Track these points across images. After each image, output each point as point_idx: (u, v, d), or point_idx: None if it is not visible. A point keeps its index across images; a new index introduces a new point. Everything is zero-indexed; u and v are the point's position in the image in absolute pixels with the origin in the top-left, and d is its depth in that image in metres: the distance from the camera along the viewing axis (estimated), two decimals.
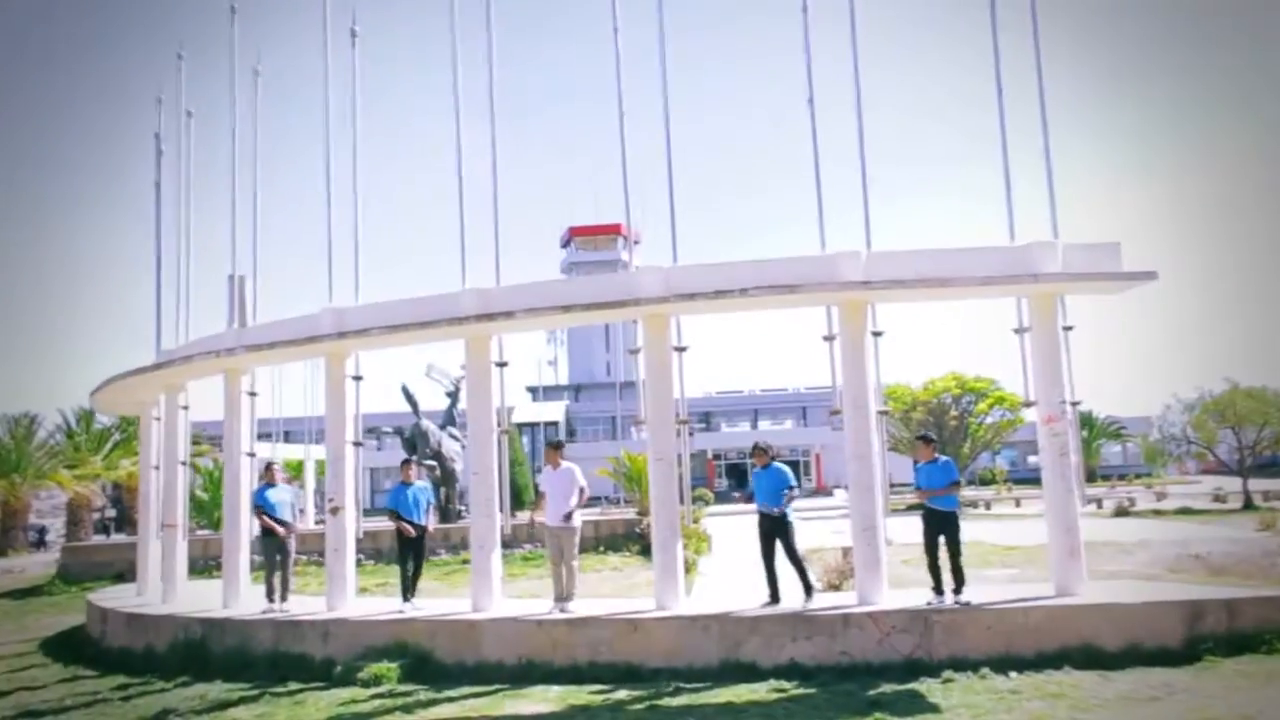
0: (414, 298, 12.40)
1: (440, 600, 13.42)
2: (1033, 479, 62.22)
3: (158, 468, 15.96)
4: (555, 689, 10.18)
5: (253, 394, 14.22)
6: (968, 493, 46.39)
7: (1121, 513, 32.81)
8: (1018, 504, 42.09)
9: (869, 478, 11.01)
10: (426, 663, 11.20)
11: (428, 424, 27.40)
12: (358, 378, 13.20)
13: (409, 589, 12.45)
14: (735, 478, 71.88)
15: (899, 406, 44.94)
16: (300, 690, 10.83)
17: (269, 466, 13.46)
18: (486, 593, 11.87)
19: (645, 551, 22.77)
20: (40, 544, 39.05)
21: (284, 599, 12.97)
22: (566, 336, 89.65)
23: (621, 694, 9.85)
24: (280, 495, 13.17)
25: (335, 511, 12.86)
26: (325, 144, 13.31)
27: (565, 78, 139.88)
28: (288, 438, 40.36)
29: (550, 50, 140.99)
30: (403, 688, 10.58)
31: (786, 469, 11.35)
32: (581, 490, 11.71)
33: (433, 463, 26.88)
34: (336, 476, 12.92)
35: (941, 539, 10.77)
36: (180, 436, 15.41)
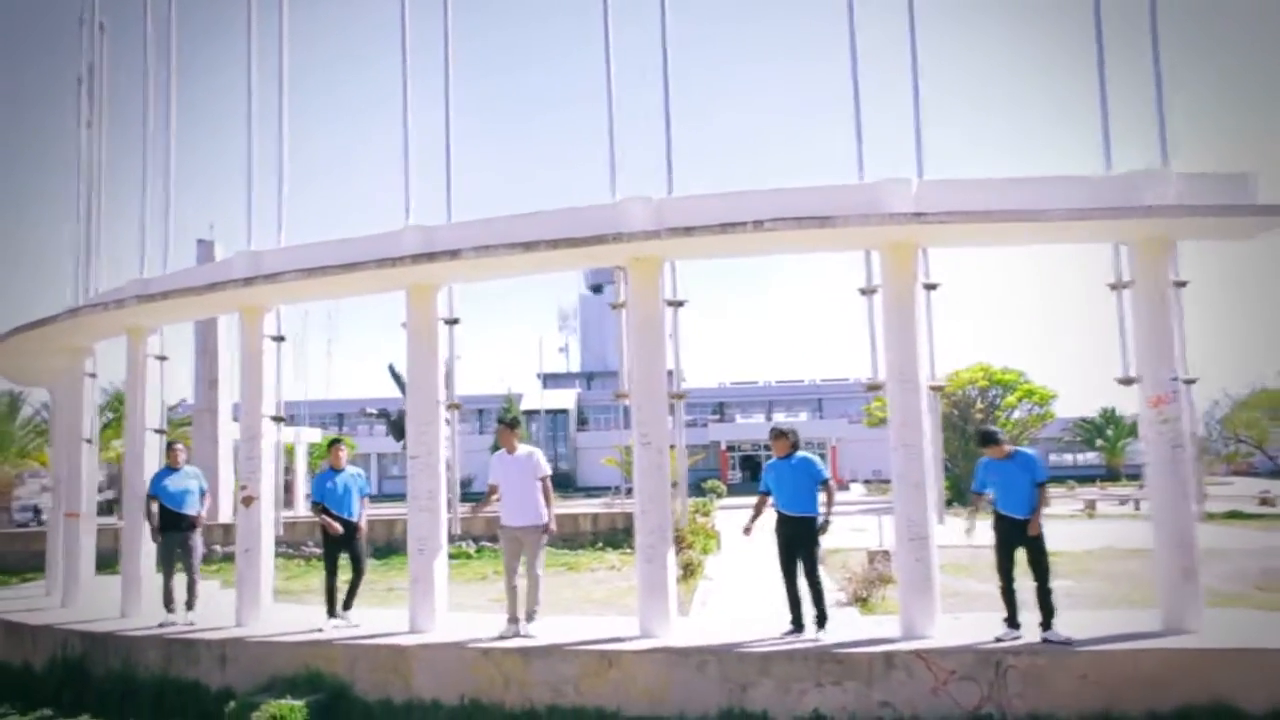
0: (344, 239, 9.87)
1: (379, 613, 10.87)
2: (1056, 477, 59.77)
3: (90, 441, 13.35)
4: None
5: (161, 358, 11.71)
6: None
7: None
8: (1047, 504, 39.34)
9: (917, 471, 8.45)
10: (343, 699, 8.73)
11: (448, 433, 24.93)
12: (279, 338, 10.68)
13: (346, 601, 9.89)
14: (750, 469, 69.50)
15: None
16: None
17: (171, 446, 10.96)
18: (426, 609, 9.36)
19: None
20: (38, 524, 37.40)
21: (190, 607, 10.50)
22: (579, 323, 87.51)
23: None
24: (183, 482, 10.67)
25: (248, 502, 10.36)
26: (248, 73, 10.74)
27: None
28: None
29: None
30: None
31: (816, 459, 8.77)
32: (543, 480, 9.14)
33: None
34: (250, 459, 10.42)
35: (1017, 554, 8.22)
36: (85, 410, 12.94)
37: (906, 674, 7.63)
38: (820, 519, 8.56)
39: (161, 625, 10.20)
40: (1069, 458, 72.88)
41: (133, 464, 11.44)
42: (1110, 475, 59.24)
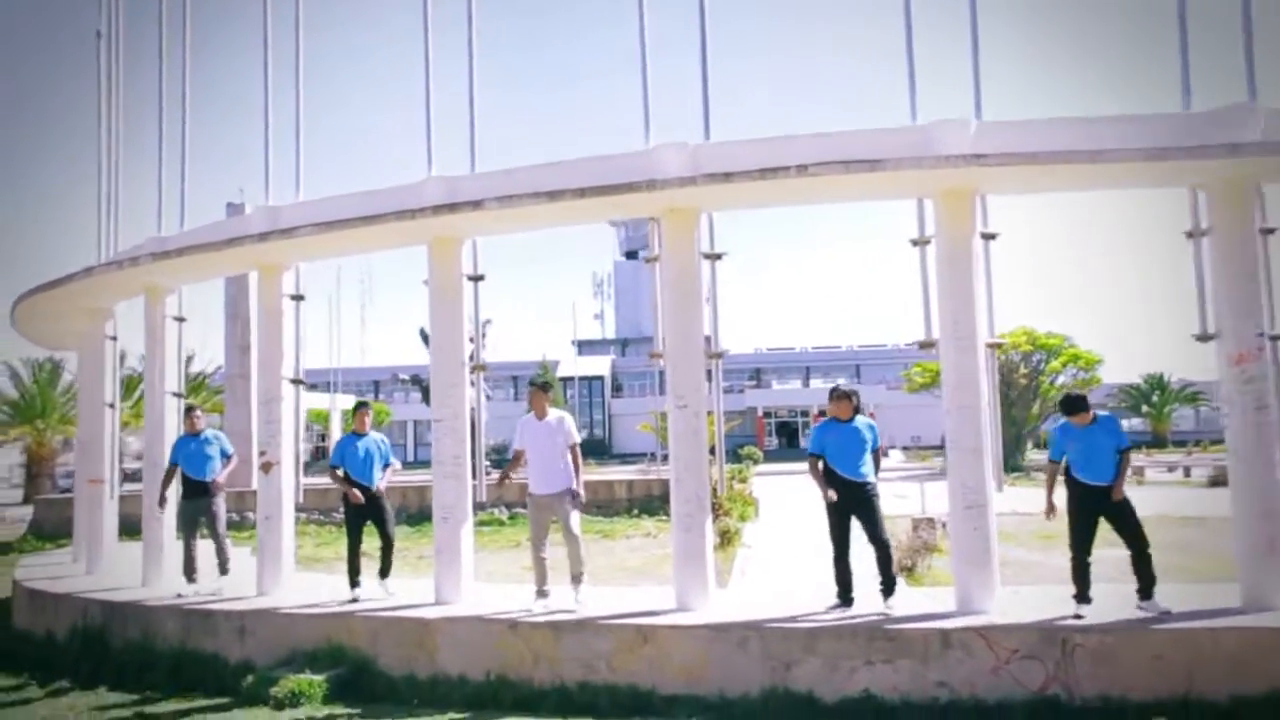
0: (364, 191, 9.36)
1: (407, 583, 10.45)
2: None
3: (111, 406, 12.99)
4: None
5: (179, 319, 11.31)
6: (1032, 456, 42.97)
7: (1218, 482, 29.06)
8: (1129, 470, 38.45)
9: (973, 435, 7.85)
10: (365, 674, 8.33)
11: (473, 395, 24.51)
12: (298, 297, 10.23)
13: (382, 570, 9.56)
14: (786, 436, 68.90)
15: None
16: (191, 710, 8.03)
17: (189, 412, 10.56)
18: (452, 580, 8.92)
19: None
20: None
21: (224, 571, 10.17)
22: (614, 290, 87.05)
23: None
24: (203, 447, 10.28)
25: (267, 468, 9.96)
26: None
27: None
28: (313, 389, 38.67)
29: None
30: (325, 711, 7.73)
31: (874, 425, 8.17)
32: (573, 448, 8.60)
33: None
34: (270, 423, 10.00)
35: (1098, 525, 7.66)
36: (107, 373, 12.60)
37: (965, 652, 7.08)
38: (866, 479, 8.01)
39: (179, 596, 9.85)
40: None
41: (153, 428, 11.08)
42: (1156, 442, 57.90)
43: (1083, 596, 7.48)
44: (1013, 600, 7.98)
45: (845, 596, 8.01)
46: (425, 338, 24.46)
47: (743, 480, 23.94)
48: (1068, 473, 7.74)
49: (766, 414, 69.42)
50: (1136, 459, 39.43)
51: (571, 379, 65.68)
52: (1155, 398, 63.48)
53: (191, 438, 10.34)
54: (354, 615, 8.65)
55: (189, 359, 36.66)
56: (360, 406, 9.65)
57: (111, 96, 12.30)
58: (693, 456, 8.32)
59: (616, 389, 73.98)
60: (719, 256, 8.55)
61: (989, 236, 8.04)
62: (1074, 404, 7.73)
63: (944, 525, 14.11)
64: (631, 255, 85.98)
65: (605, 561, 13.84)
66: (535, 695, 7.75)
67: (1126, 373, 63.90)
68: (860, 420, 8.07)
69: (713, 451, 8.79)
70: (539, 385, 8.73)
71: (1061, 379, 43.19)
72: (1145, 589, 7.41)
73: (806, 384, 75.36)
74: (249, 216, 9.89)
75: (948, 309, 7.90)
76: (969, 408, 7.81)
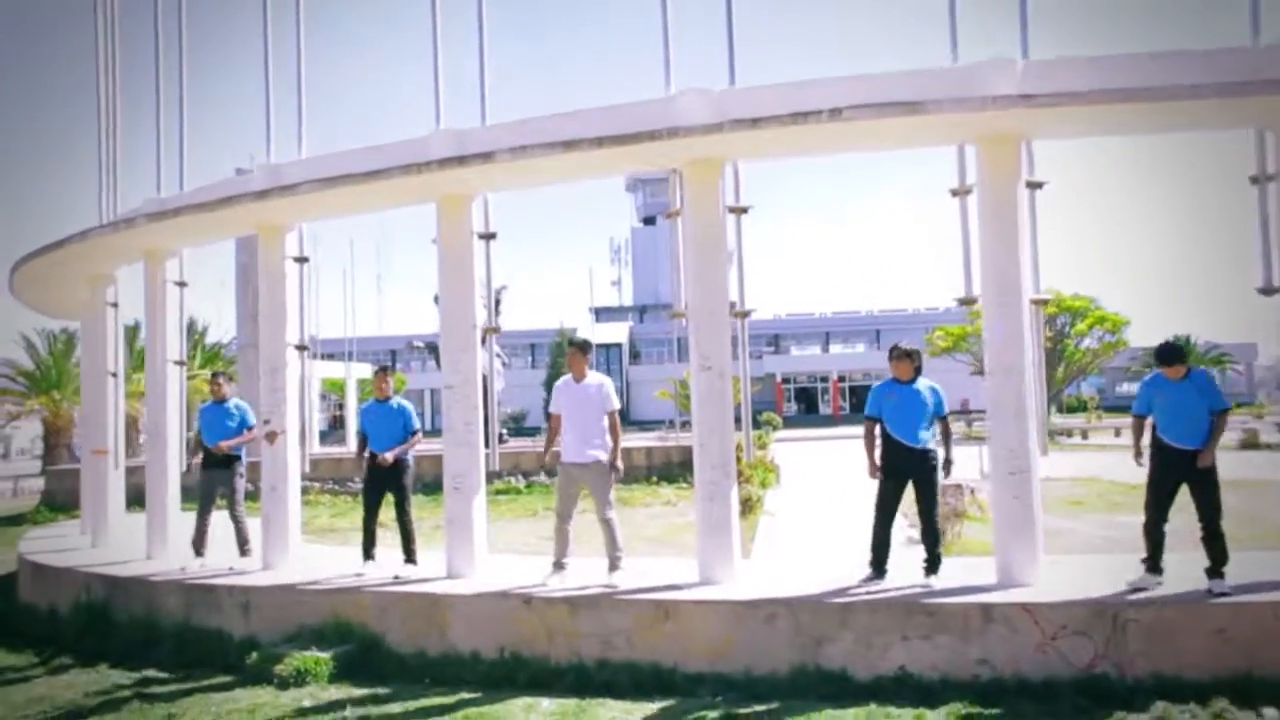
0: (369, 146, 8.89)
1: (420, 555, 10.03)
2: (1124, 406, 57.87)
3: (114, 375, 12.59)
4: (546, 703, 6.84)
5: (181, 284, 10.89)
6: (1056, 420, 42.34)
7: (1249, 444, 28.41)
8: (1117, 433, 37.87)
9: (1018, 398, 7.35)
10: (374, 651, 7.96)
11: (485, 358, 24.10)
12: (301, 259, 9.79)
13: (406, 554, 8.95)
14: (805, 402, 68.45)
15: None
16: (193, 689, 7.67)
17: (214, 378, 10.17)
18: (464, 552, 8.52)
19: None
20: None
21: (243, 552, 9.78)
22: (631, 257, 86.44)
23: (643, 714, 6.50)
24: (224, 416, 9.89)
25: (272, 438, 9.56)
26: None
27: None
28: (330, 358, 38.41)
29: None
30: (331, 691, 7.38)
31: (938, 389, 7.66)
32: (612, 415, 8.12)
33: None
34: (274, 391, 9.60)
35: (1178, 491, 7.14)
36: (108, 341, 12.22)
37: (1008, 628, 6.63)
38: (942, 456, 7.55)
39: (183, 570, 9.51)
40: (1134, 387, 70.72)
41: (154, 397, 10.70)
42: None
43: (1154, 566, 7.00)
44: (1054, 572, 7.51)
45: (879, 568, 7.57)
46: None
47: (763, 446, 23.52)
48: (1153, 431, 7.21)
49: (785, 380, 68.99)
50: None
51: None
52: None
53: (215, 405, 9.98)
54: (362, 590, 8.26)
55: (204, 330, 36.52)
56: (380, 371, 9.15)
57: (110, 54, 11.83)
58: (718, 421, 7.86)
59: (634, 356, 73.61)
60: (745, 210, 8.05)
61: (1035, 185, 7.50)
62: (1170, 354, 7.09)
63: (972, 491, 13.69)
64: (649, 221, 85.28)
65: (624, 531, 13.42)
66: (551, 673, 7.35)
67: (1152, 336, 63.09)
68: (923, 382, 7.58)
69: (739, 418, 8.32)
70: (578, 345, 8.21)
71: (1087, 342, 42.51)
72: (1215, 568, 6.86)
73: (826, 349, 74.83)
74: (249, 175, 9.43)
75: (990, 263, 7.39)
76: (1012, 369, 7.31)
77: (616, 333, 72.17)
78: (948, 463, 7.56)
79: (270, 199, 8.70)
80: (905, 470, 7.50)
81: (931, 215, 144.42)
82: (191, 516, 10.04)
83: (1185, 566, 7.08)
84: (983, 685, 6.56)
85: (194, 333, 37.67)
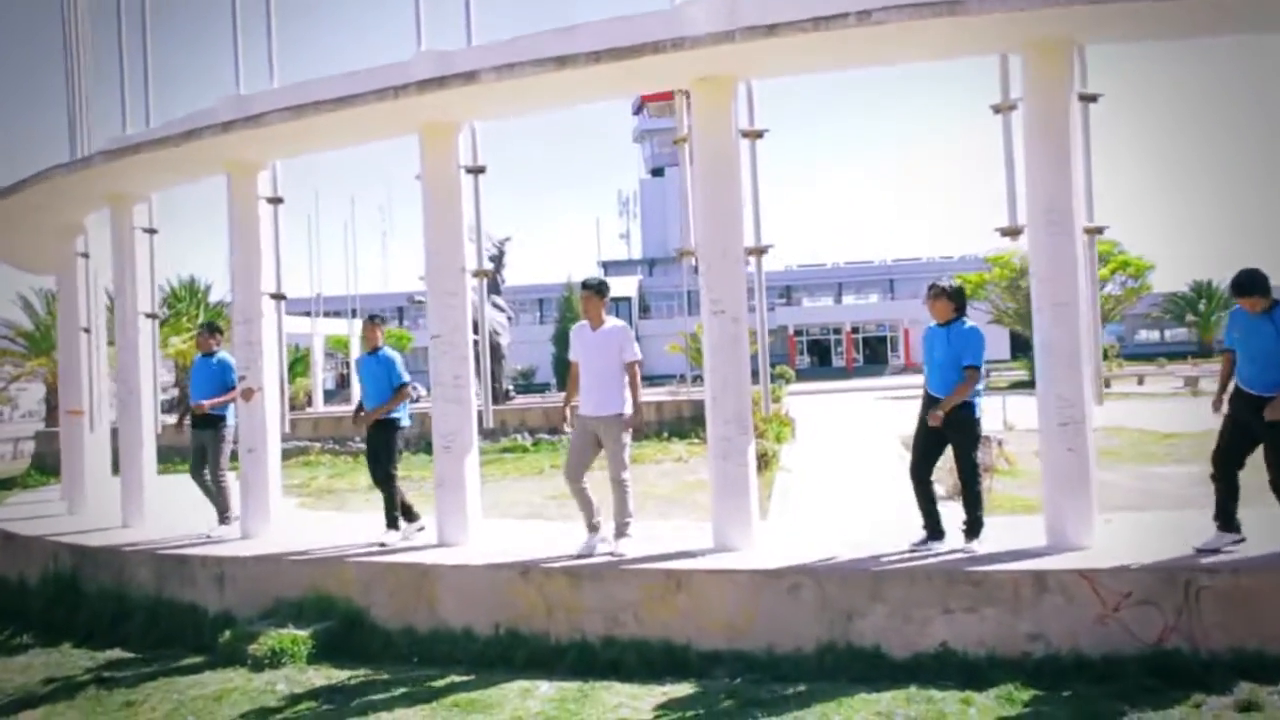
0: (346, 73, 8.03)
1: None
2: (1143, 354, 56.83)
3: (87, 331, 11.84)
4: (544, 686, 6.13)
5: (150, 231, 10.09)
6: None
7: None
8: (1140, 381, 37.08)
9: (1071, 338, 6.52)
10: (357, 628, 7.26)
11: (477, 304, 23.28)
12: (275, 200, 8.99)
13: (389, 519, 8.22)
14: (818, 354, 67.56)
15: (1005, 275, 39.62)
16: (159, 671, 7.01)
17: (206, 328, 9.38)
18: (457, 518, 7.79)
19: None
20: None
21: (224, 520, 9.02)
22: (640, 209, 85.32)
23: (653, 699, 5.78)
24: (209, 374, 9.12)
25: (249, 395, 8.81)
26: None
27: None
28: (337, 315, 37.78)
29: None
30: (309, 673, 6.69)
31: (980, 336, 6.71)
32: (631, 365, 7.32)
33: (475, 337, 22.83)
34: (249, 345, 8.83)
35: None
36: (80, 295, 11.46)
37: (1064, 598, 5.86)
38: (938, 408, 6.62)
39: (207, 537, 8.74)
40: (1154, 334, 69.75)
41: (125, 353, 9.95)
42: (1202, 351, 56.10)
43: (1228, 523, 6.15)
44: (1109, 532, 6.74)
45: (934, 529, 6.76)
46: None
47: (776, 399, 22.75)
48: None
49: (798, 332, 68.02)
50: (1186, 369, 37.78)
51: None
52: (1201, 306, 61.54)
53: (203, 358, 9.19)
54: (344, 562, 7.54)
55: (207, 288, 35.77)
56: (369, 321, 8.35)
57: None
58: (732, 370, 7.07)
59: (644, 310, 72.70)
60: (760, 134, 7.18)
61: (1088, 98, 6.62)
62: (1246, 283, 6.06)
63: (999, 443, 12.95)
64: (658, 172, 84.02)
65: (634, 488, 12.74)
66: (551, 652, 6.64)
67: (1174, 281, 62.03)
68: (965, 325, 6.71)
69: (754, 370, 7.52)
70: (593, 287, 7.28)
71: (1109, 288, 41.47)
72: None
73: (839, 300, 73.77)
74: (215, 108, 8.59)
75: (1038, 187, 6.52)
76: (1065, 305, 6.48)
77: (626, 286, 71.14)
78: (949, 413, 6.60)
79: (235, 131, 7.86)
80: (935, 424, 6.70)
81: (951, 156, 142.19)
82: (172, 479, 9.35)
83: (1264, 524, 6.28)
84: (1035, 663, 5.81)
85: (195, 291, 36.98)
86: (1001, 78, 6.80)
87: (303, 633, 7.00)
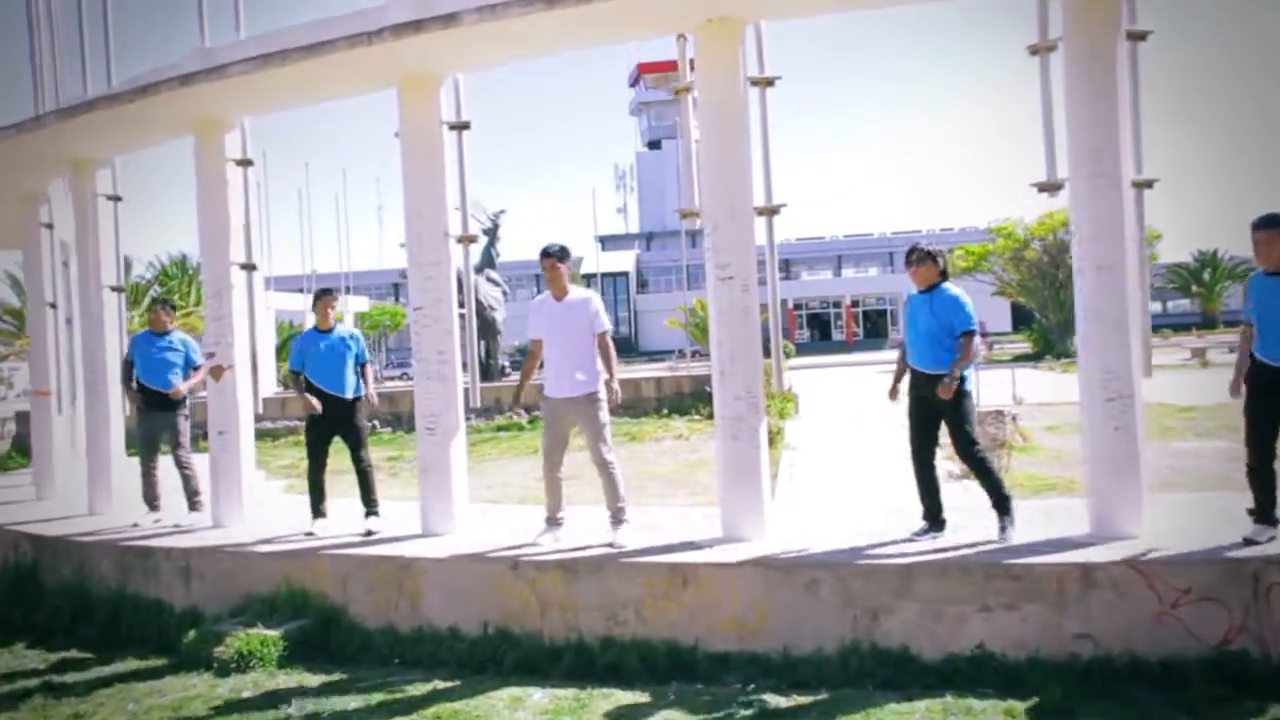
0: (318, 20, 7.32)
1: (390, 508, 8.63)
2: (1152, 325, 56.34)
3: (54, 306, 11.16)
4: (537, 694, 5.53)
5: (114, 198, 9.41)
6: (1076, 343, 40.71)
7: None
8: None
9: (1117, 303, 5.87)
10: (334, 627, 6.67)
11: (460, 266, 22.55)
12: (244, 162, 8.31)
13: (366, 507, 7.56)
14: (818, 328, 66.90)
15: (1008, 245, 38.90)
16: (114, 676, 6.41)
17: (155, 304, 8.72)
18: (442, 507, 7.17)
19: None
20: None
21: (193, 507, 8.40)
22: (637, 183, 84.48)
23: (657, 708, 5.19)
24: (167, 352, 8.45)
25: (218, 374, 8.18)
26: None
27: None
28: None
29: None
30: (280, 678, 6.12)
31: (965, 298, 6.12)
32: (601, 337, 6.61)
33: (465, 312, 22.16)
34: (219, 320, 8.19)
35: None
36: (44, 268, 10.79)
37: (1116, 594, 5.25)
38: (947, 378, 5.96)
39: (135, 526, 8.22)
40: (1155, 305, 69.18)
41: (89, 330, 9.30)
42: (1206, 323, 55.50)
43: (1266, 515, 5.55)
44: (1158, 518, 6.11)
45: (934, 517, 6.20)
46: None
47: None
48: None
49: (797, 306, 67.32)
50: (1192, 340, 37.00)
51: (595, 275, 63.54)
52: (1206, 276, 60.83)
53: (155, 336, 8.52)
54: (320, 554, 6.92)
55: (198, 266, 35.04)
56: (321, 295, 7.70)
57: None
58: (742, 342, 6.42)
59: (641, 285, 71.93)
60: (771, 82, 6.51)
61: (1137, 36, 5.95)
62: (1268, 220, 5.46)
63: (1014, 418, 12.35)
64: (655, 145, 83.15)
65: (634, 468, 12.13)
66: (545, 654, 6.03)
67: (1178, 251, 61.30)
68: (947, 290, 6.10)
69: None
70: (555, 254, 6.58)
71: None
72: None
73: (838, 274, 73.09)
74: (177, 63, 7.88)
75: (1082, 136, 5.86)
76: (1110, 267, 5.83)
77: (623, 261, 70.34)
78: (956, 384, 5.97)
79: (196, 85, 7.17)
80: (924, 402, 6.09)
81: (952, 130, 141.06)
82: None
83: None
84: (1084, 666, 5.21)
85: (187, 269, 36.32)
86: (1040, 14, 6.11)
87: (273, 633, 6.40)
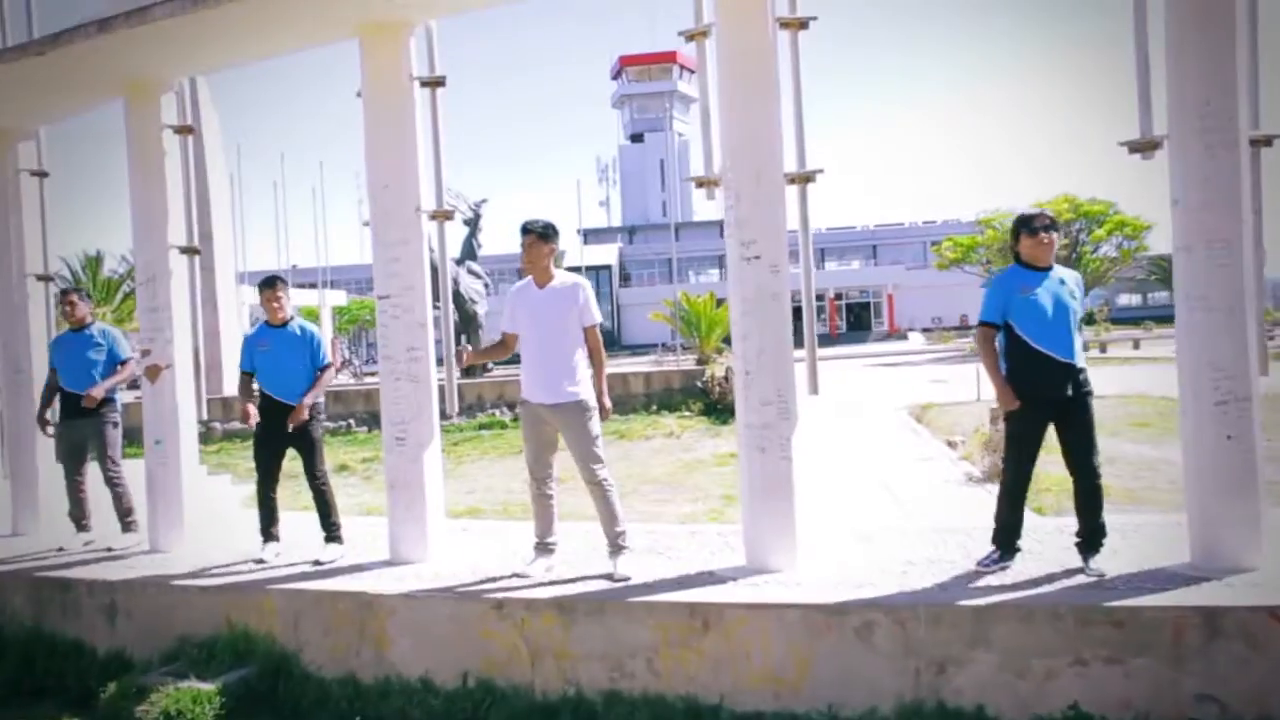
0: None
1: (352, 526, 7.52)
2: (1129, 319, 55.25)
3: None
4: None
5: (40, 173, 8.25)
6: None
7: None
8: (1136, 345, 35.83)
9: (1229, 288, 4.82)
10: (284, 675, 5.56)
11: (435, 249, 21.42)
12: (184, 129, 7.17)
13: (327, 532, 6.46)
14: (800, 321, 66.18)
15: (997, 236, 38.06)
16: None
17: (66, 297, 7.55)
18: (414, 531, 6.07)
19: (709, 411, 17.29)
20: None
21: (127, 528, 7.27)
22: (619, 176, 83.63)
23: None
24: (87, 349, 7.29)
25: (154, 373, 7.05)
26: None
27: None
28: (312, 287, 36.13)
29: None
30: None
31: (1078, 279, 5.20)
32: (590, 330, 5.52)
33: (440, 305, 21.06)
34: (154, 311, 7.05)
35: None
36: None
37: (1246, 645, 4.24)
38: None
39: (61, 550, 7.11)
40: (1135, 298, 68.50)
41: (9, 323, 8.15)
42: None
43: None
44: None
45: (1010, 546, 5.17)
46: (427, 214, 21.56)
47: None
48: None
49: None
50: (1173, 332, 36.25)
51: (579, 268, 62.40)
52: None
53: (72, 334, 7.37)
54: (267, 588, 5.81)
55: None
56: (266, 285, 6.52)
57: None
58: (772, 335, 5.36)
59: (625, 279, 70.88)
60: (804, 24, 5.44)
61: None
62: None
63: None
64: (637, 138, 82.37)
65: (624, 470, 11.14)
66: (537, 711, 4.97)
67: (1162, 243, 60.62)
68: (1065, 272, 5.11)
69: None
70: (536, 231, 5.48)
71: (1105, 249, 40.00)
72: None
73: (821, 266, 72.27)
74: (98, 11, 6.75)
75: (1188, 82, 4.82)
76: (1224, 244, 4.79)
77: (606, 254, 69.21)
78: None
79: (115, 32, 6.02)
80: (1055, 398, 5.04)
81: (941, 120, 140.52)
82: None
83: None
84: None
85: None
86: None
87: (209, 686, 5.31)
